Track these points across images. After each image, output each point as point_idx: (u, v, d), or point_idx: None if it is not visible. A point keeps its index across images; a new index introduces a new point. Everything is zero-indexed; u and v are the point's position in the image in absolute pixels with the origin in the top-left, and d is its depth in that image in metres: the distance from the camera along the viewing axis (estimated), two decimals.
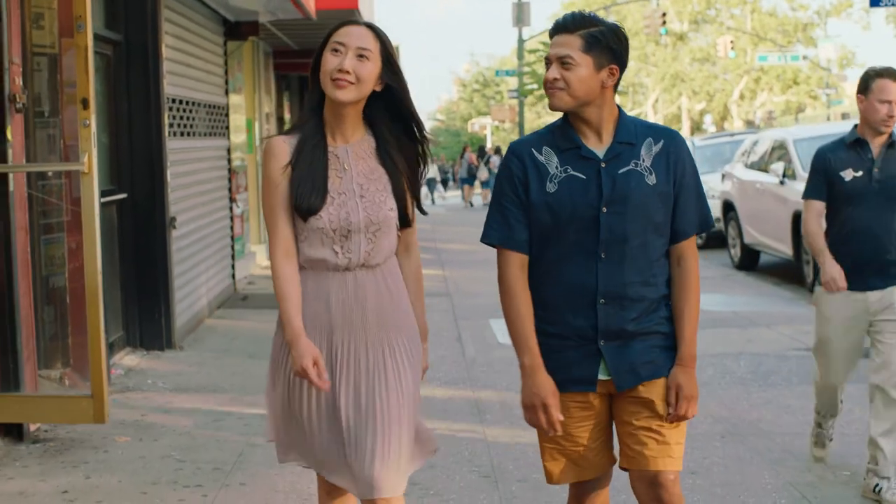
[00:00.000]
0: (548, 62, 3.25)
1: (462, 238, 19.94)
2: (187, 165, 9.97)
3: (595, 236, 3.21)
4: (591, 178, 3.22)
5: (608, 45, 3.19)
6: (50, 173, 6.77)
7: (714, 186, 16.38)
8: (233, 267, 12.44)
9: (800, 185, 12.59)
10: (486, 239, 3.35)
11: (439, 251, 17.74)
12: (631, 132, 3.27)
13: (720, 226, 16.12)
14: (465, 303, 11.58)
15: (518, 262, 3.28)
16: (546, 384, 3.24)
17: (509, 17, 39.83)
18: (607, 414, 3.37)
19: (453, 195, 43.58)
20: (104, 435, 6.17)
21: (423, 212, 3.53)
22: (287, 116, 20.11)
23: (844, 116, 39.77)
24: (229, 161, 12.57)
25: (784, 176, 13.15)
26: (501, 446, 5.92)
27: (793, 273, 13.10)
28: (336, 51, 3.31)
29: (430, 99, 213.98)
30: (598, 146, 3.26)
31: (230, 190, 12.51)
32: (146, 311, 8.70)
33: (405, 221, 3.44)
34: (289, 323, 3.30)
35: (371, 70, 3.32)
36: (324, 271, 3.35)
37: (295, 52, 17.69)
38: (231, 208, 12.56)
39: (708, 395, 6.75)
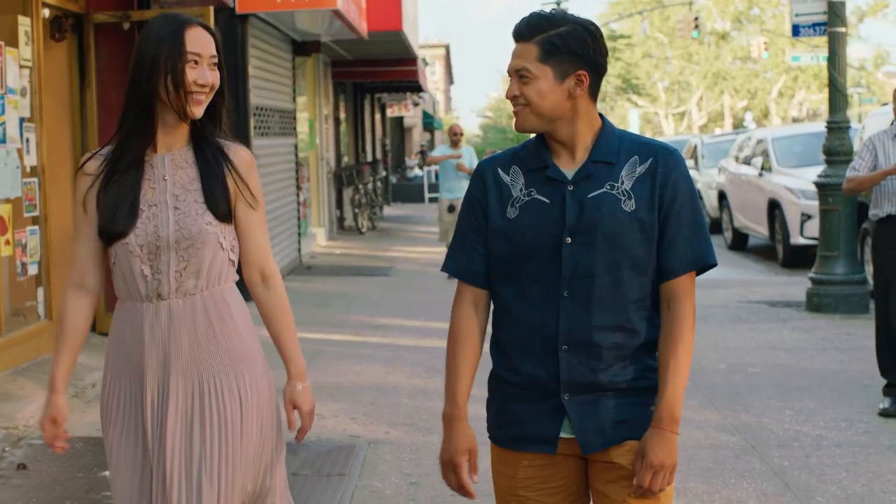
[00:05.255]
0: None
1: None
2: (266, 159, 12.41)
3: (557, 271, 2.68)
4: (556, 203, 2.69)
5: (570, 49, 2.65)
6: None
7: (714, 179, 18.78)
8: (299, 243, 14.91)
9: (775, 178, 14.88)
10: (445, 267, 2.87)
11: None
12: (612, 149, 2.71)
13: (716, 213, 18.52)
14: None
15: (471, 298, 2.80)
16: (461, 440, 2.77)
17: None
18: (578, 479, 2.79)
19: None
20: None
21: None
22: (342, 116, 22.20)
23: None
24: (296, 155, 15.09)
25: (762, 169, 15.23)
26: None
27: (771, 252, 15.31)
28: (192, 62, 2.88)
29: (479, 97, 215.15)
30: (571, 166, 2.72)
31: (297, 179, 15.07)
32: None
33: (227, 218, 2.95)
34: (51, 371, 2.98)
35: (218, 77, 2.96)
36: (138, 301, 2.93)
37: (349, 62, 19.94)
38: (297, 195, 15.10)
39: None
